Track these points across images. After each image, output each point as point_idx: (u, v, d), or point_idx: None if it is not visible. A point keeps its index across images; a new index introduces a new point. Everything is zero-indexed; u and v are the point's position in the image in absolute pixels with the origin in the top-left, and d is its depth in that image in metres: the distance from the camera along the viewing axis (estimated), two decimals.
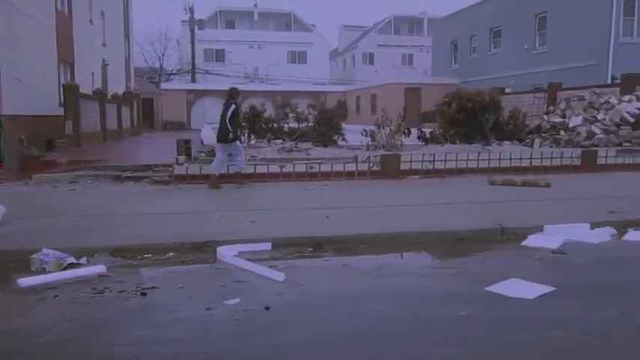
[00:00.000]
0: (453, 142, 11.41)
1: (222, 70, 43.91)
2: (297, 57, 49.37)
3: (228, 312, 3.66)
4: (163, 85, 34.16)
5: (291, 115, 12.14)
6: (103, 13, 23.48)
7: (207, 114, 32.06)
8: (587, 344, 3.17)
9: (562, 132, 11.67)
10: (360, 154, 9.76)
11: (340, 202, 7.35)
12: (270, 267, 4.74)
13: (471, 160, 10.06)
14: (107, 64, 23.70)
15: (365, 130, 10.92)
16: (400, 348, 3.11)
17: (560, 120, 12.06)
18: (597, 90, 13.13)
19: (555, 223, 6.21)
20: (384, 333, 3.30)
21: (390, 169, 9.62)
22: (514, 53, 23.97)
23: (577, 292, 4.04)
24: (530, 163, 10.37)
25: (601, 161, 10.81)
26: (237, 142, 8.89)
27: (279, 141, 11.13)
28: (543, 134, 12.02)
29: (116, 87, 25.11)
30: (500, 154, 10.17)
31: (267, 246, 5.33)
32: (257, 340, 3.23)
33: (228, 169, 8.93)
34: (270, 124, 11.91)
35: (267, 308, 3.70)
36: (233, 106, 8.48)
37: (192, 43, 39.16)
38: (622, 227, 6.17)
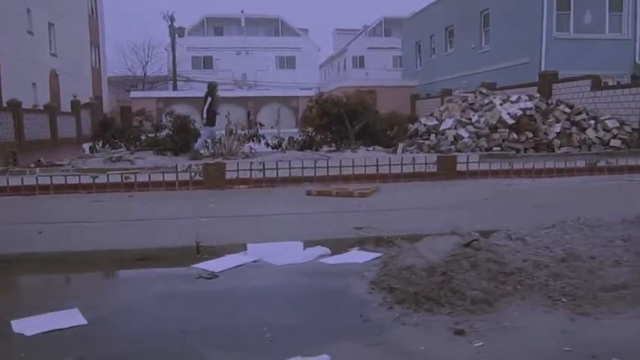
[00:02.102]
0: (318, 149, 10.92)
1: (208, 77, 43.97)
2: (286, 62, 49.15)
3: None
4: (132, 94, 34.36)
5: (146, 123, 11.90)
6: (51, 24, 23.73)
7: None
8: None
9: (433, 136, 11.01)
10: (189, 164, 9.38)
11: (105, 215, 7.04)
12: None
13: (307, 168, 9.56)
14: (57, 75, 23.97)
15: (210, 138, 10.56)
16: None
17: (435, 123, 11.39)
18: (484, 90, 12.40)
19: (293, 240, 5.78)
20: None
21: (213, 178, 9.23)
22: (465, 53, 23.13)
23: (106, 327, 3.60)
24: (377, 170, 9.81)
25: (463, 167, 10.15)
26: (209, 126, 10.93)
27: (121, 150, 10.87)
28: (419, 138, 11.38)
29: (79, 96, 25.26)
30: (340, 161, 9.65)
31: None
32: None
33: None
34: (128, 134, 11.72)
35: None
36: (209, 98, 10.77)
37: (173, 50, 39.46)
38: (353, 245, 5.68)
